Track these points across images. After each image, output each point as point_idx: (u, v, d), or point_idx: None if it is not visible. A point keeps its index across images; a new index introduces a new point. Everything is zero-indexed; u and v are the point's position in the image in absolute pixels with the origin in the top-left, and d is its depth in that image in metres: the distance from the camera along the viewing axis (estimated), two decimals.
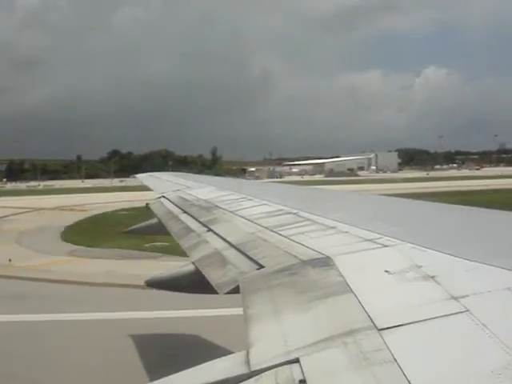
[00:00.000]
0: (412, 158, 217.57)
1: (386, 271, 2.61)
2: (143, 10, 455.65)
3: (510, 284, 2.18)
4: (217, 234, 4.90)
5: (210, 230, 5.24)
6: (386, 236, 3.37)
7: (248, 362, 1.96)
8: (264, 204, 6.03)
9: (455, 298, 2.10)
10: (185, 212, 7.09)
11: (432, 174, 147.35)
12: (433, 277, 2.41)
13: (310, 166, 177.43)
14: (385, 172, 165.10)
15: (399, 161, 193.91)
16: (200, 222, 5.84)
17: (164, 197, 9.64)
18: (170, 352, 11.51)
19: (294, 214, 4.96)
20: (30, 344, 13.23)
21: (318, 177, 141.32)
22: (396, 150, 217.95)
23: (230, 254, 3.99)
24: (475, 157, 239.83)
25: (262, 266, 3.35)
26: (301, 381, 1.75)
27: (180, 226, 6.28)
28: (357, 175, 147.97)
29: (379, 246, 3.19)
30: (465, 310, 1.98)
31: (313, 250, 3.36)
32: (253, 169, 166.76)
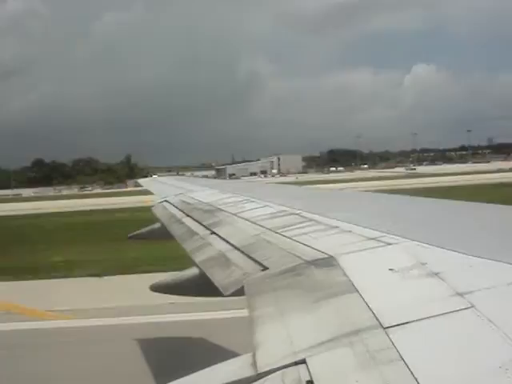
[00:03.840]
0: (335, 159, 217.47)
1: (391, 269, 2.60)
2: (128, 14, 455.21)
3: None
4: (220, 237, 4.90)
5: (213, 232, 5.24)
6: (389, 234, 3.36)
7: (254, 364, 1.96)
8: (266, 205, 6.03)
9: (460, 295, 2.10)
10: (188, 215, 7.09)
11: (324, 176, 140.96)
12: (437, 274, 2.40)
13: (213, 172, 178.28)
14: (284, 175, 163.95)
15: (303, 163, 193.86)
16: (203, 225, 5.85)
17: (166, 201, 9.65)
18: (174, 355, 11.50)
19: (297, 214, 4.96)
20: None
21: None
22: (329, 151, 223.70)
23: (234, 256, 3.99)
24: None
25: (266, 268, 3.35)
26: (308, 381, 1.75)
27: (183, 230, 6.28)
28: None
29: (383, 244, 3.19)
30: (470, 306, 1.98)
31: (316, 250, 3.36)
32: (155, 175, 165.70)
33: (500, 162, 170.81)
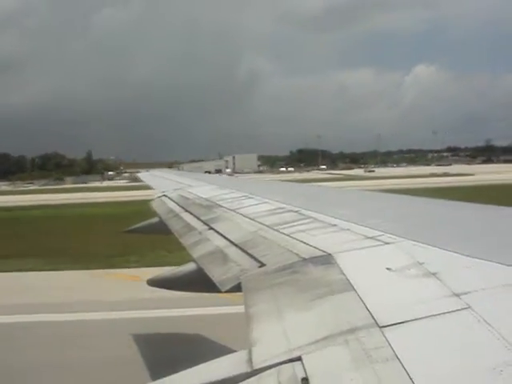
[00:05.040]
0: (300, 159, 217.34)
1: (388, 268, 2.61)
2: (127, 11, 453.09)
3: (511, 280, 2.18)
4: (218, 233, 4.90)
5: (211, 228, 5.25)
6: (387, 233, 3.37)
7: (250, 361, 1.96)
8: (265, 202, 6.04)
9: (457, 295, 2.10)
10: (186, 210, 7.10)
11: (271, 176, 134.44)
12: (434, 274, 2.41)
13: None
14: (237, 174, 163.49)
15: (259, 163, 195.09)
16: (201, 221, 5.85)
17: (165, 195, 9.65)
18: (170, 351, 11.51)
19: (296, 211, 4.96)
20: None
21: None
22: (298, 150, 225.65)
23: (232, 252, 3.99)
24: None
25: (263, 264, 3.35)
26: (303, 379, 1.75)
27: (181, 225, 6.28)
28: None
29: (380, 243, 3.19)
30: (466, 306, 1.98)
31: (314, 247, 3.36)
32: (111, 172, 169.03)
33: (464, 166, 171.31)
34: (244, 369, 1.94)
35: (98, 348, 12.05)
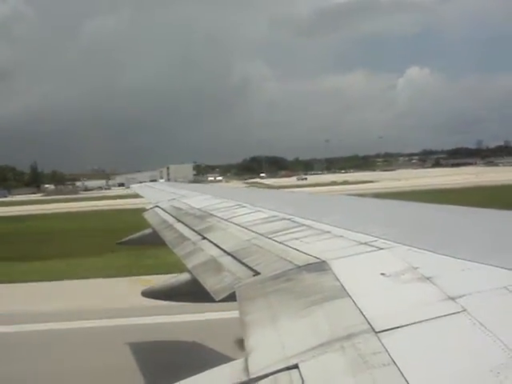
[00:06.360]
0: (250, 168, 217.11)
1: (382, 274, 2.61)
2: (120, 18, 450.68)
3: (506, 282, 2.18)
4: (212, 242, 4.88)
5: (204, 238, 5.23)
6: (380, 239, 3.37)
7: (247, 369, 1.95)
8: (258, 211, 6.03)
9: (452, 299, 2.10)
10: (179, 221, 7.08)
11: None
12: (429, 278, 2.41)
13: (103, 181, 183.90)
14: None
15: (194, 172, 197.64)
16: (195, 231, 5.83)
17: (158, 206, 9.63)
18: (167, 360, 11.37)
19: (289, 219, 4.96)
20: None
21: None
22: (251, 158, 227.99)
23: (226, 262, 3.98)
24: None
25: (257, 273, 3.34)
26: None
27: (175, 235, 6.26)
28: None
29: (374, 248, 3.19)
30: (462, 309, 1.98)
31: (308, 255, 3.36)
32: (48, 186, 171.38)
33: (411, 170, 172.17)
34: (241, 378, 1.93)
35: None
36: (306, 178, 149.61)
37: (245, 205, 6.85)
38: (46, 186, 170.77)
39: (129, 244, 10.24)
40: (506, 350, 1.64)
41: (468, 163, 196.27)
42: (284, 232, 4.38)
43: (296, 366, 1.86)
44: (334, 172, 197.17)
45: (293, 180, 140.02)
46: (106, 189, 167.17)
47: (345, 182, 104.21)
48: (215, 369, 2.16)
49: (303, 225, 4.52)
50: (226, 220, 5.92)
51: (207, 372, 2.16)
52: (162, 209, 9.12)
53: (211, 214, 6.68)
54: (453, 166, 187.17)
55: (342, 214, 5.51)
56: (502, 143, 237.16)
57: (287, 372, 1.85)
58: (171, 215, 7.96)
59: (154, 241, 7.61)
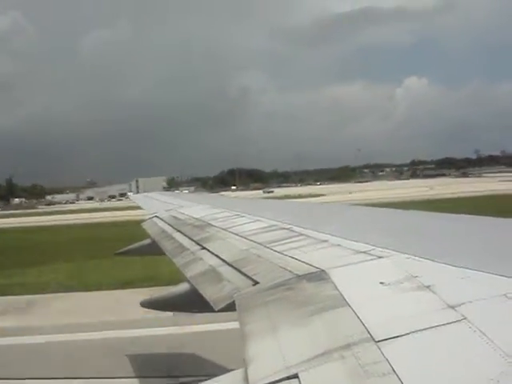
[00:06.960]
0: (223, 180, 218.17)
1: (381, 282, 2.60)
2: (118, 31, 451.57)
3: (505, 290, 2.18)
4: (211, 252, 4.88)
5: (204, 247, 5.23)
6: (379, 247, 3.37)
7: (247, 379, 1.94)
8: (257, 220, 6.03)
9: (452, 307, 2.10)
10: (178, 231, 7.07)
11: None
12: (428, 286, 2.40)
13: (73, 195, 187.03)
14: None
15: (165, 185, 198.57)
16: (194, 241, 5.82)
17: (157, 216, 9.62)
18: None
19: (287, 229, 4.96)
20: None
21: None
22: (229, 170, 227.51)
23: (225, 271, 3.97)
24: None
25: (256, 282, 3.34)
26: None
27: (174, 245, 6.25)
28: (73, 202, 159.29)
29: (373, 257, 3.19)
30: (462, 318, 1.98)
31: (307, 264, 3.35)
32: (17, 200, 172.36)
33: (385, 182, 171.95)
34: None
35: None
36: (272, 191, 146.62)
37: (243, 214, 6.86)
38: (17, 199, 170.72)
39: (127, 254, 10.19)
40: (507, 358, 1.64)
41: (440, 174, 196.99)
42: (283, 241, 4.38)
43: (296, 376, 1.85)
44: (309, 184, 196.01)
45: (259, 193, 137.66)
46: (70, 203, 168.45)
47: (299, 196, 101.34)
48: (215, 379, 2.15)
49: (302, 234, 4.52)
50: (225, 229, 5.92)
51: (206, 382, 2.15)
52: (161, 219, 9.12)
53: (210, 224, 6.67)
54: (425, 177, 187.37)
55: (341, 222, 5.51)
56: (498, 153, 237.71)
57: (287, 382, 1.84)
58: (170, 225, 7.95)
59: (153, 251, 7.58)
